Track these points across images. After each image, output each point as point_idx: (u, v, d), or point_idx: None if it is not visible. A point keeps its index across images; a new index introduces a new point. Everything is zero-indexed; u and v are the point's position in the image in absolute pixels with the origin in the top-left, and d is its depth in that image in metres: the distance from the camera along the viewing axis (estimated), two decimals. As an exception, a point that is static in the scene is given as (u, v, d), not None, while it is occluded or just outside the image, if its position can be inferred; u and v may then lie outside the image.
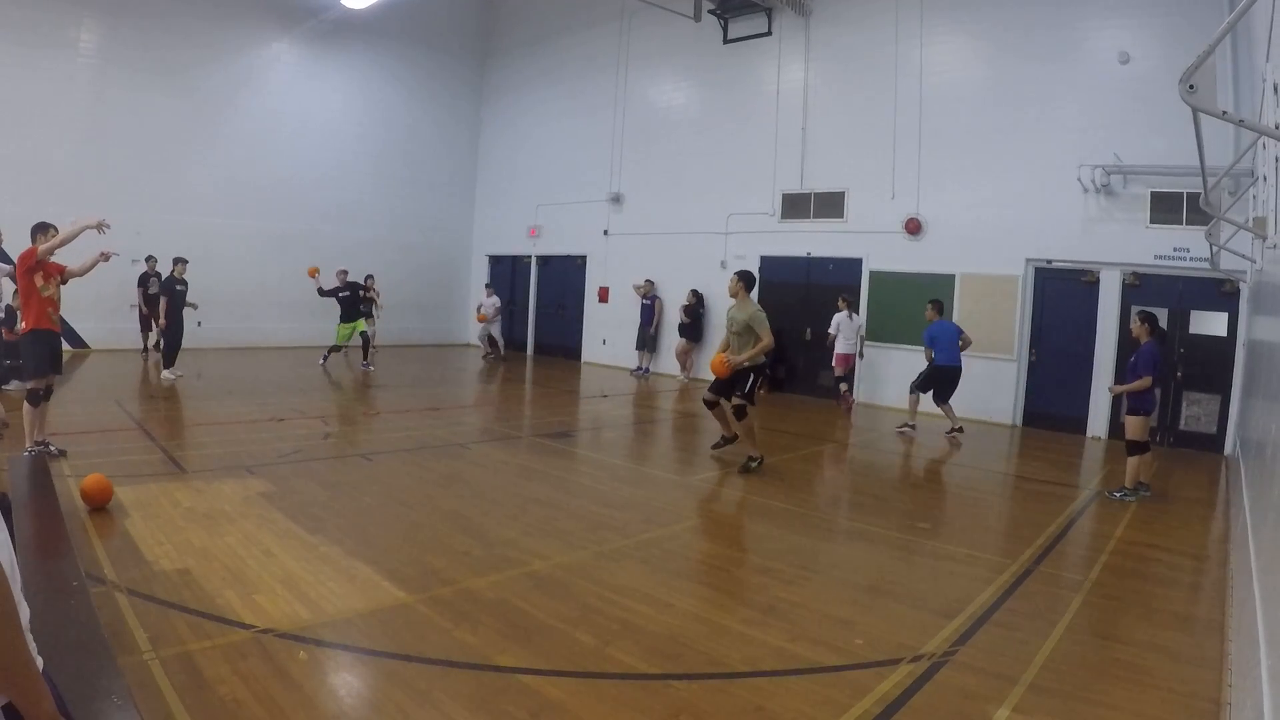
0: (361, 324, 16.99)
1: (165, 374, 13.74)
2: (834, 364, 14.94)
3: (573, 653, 4.35)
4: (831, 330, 14.82)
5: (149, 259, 16.60)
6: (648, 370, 18.78)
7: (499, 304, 20.91)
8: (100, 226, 7.63)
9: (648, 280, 18.61)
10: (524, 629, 4.61)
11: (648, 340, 18.72)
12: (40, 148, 15.05)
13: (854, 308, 14.96)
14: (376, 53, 21.64)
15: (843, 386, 14.87)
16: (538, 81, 22.48)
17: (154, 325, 14.32)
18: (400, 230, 22.41)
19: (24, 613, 1.50)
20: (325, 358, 16.97)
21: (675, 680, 4.10)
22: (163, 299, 14.11)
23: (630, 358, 19.19)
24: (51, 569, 3.57)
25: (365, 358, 17.10)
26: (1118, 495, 8.59)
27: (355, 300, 16.93)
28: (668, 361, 18.55)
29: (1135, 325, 9.04)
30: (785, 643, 4.62)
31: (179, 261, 14.26)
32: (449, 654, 4.24)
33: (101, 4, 16.85)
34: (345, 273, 17.18)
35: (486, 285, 22.02)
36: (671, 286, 18.19)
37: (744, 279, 9.45)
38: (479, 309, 21.00)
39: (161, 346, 14.30)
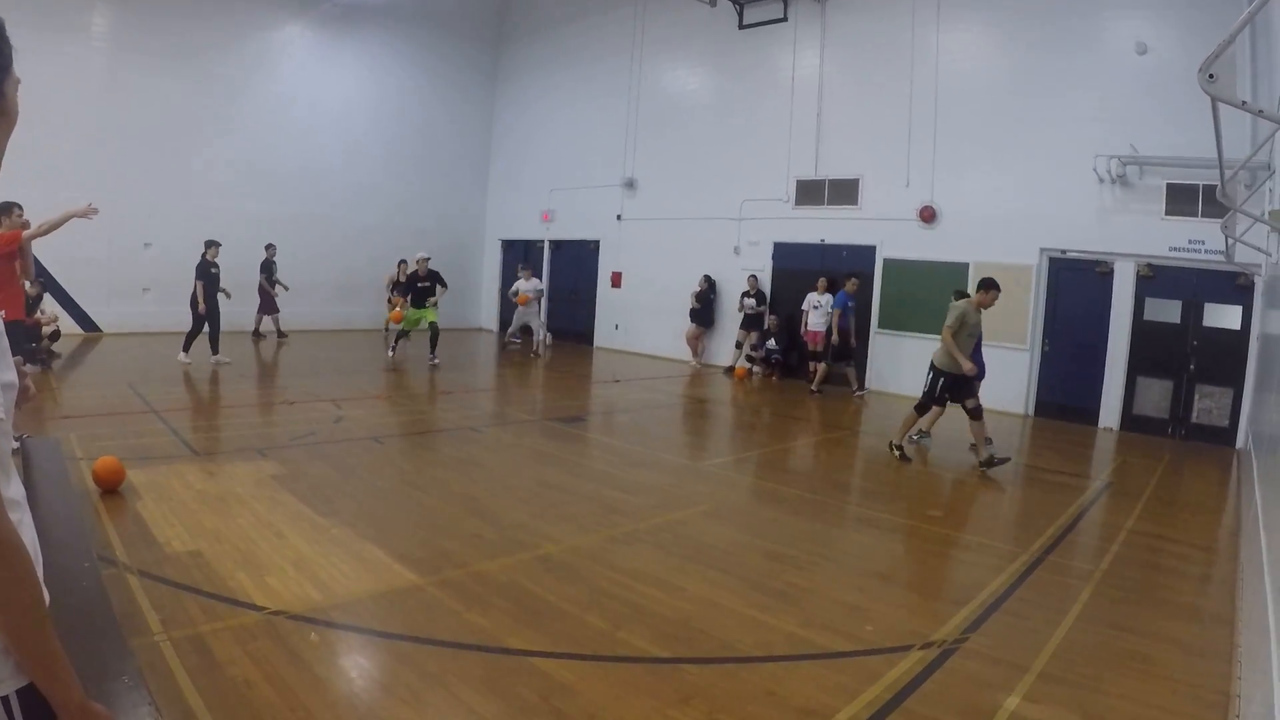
0: (431, 313, 15.78)
1: (214, 359, 13.60)
2: (804, 338, 15.63)
3: (584, 636, 4.36)
4: (804, 307, 15.46)
5: (268, 247, 17.82)
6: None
7: (540, 286, 19.16)
8: (88, 213, 7.49)
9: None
10: (535, 612, 4.63)
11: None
12: (52, 133, 15.00)
13: (834, 288, 15.15)
14: (390, 37, 21.58)
15: (812, 365, 15.49)
16: (552, 66, 22.41)
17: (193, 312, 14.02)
18: (413, 215, 22.36)
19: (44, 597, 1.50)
20: (394, 346, 16.19)
21: (686, 664, 4.12)
22: (197, 284, 13.74)
23: (643, 343, 19.15)
24: (62, 550, 3.58)
25: (432, 351, 15.75)
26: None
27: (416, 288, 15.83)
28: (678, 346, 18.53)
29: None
30: (796, 628, 4.62)
31: (211, 245, 14.02)
32: (460, 636, 4.26)
33: (114, -12, 16.82)
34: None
35: (521, 265, 19.44)
36: (684, 272, 18.13)
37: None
38: (514, 293, 18.73)
39: (207, 332, 13.92)
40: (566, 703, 3.65)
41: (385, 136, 21.72)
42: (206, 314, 13.71)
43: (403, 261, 19.54)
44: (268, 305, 17.89)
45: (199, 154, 18.09)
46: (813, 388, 14.64)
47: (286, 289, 18.00)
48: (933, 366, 9.51)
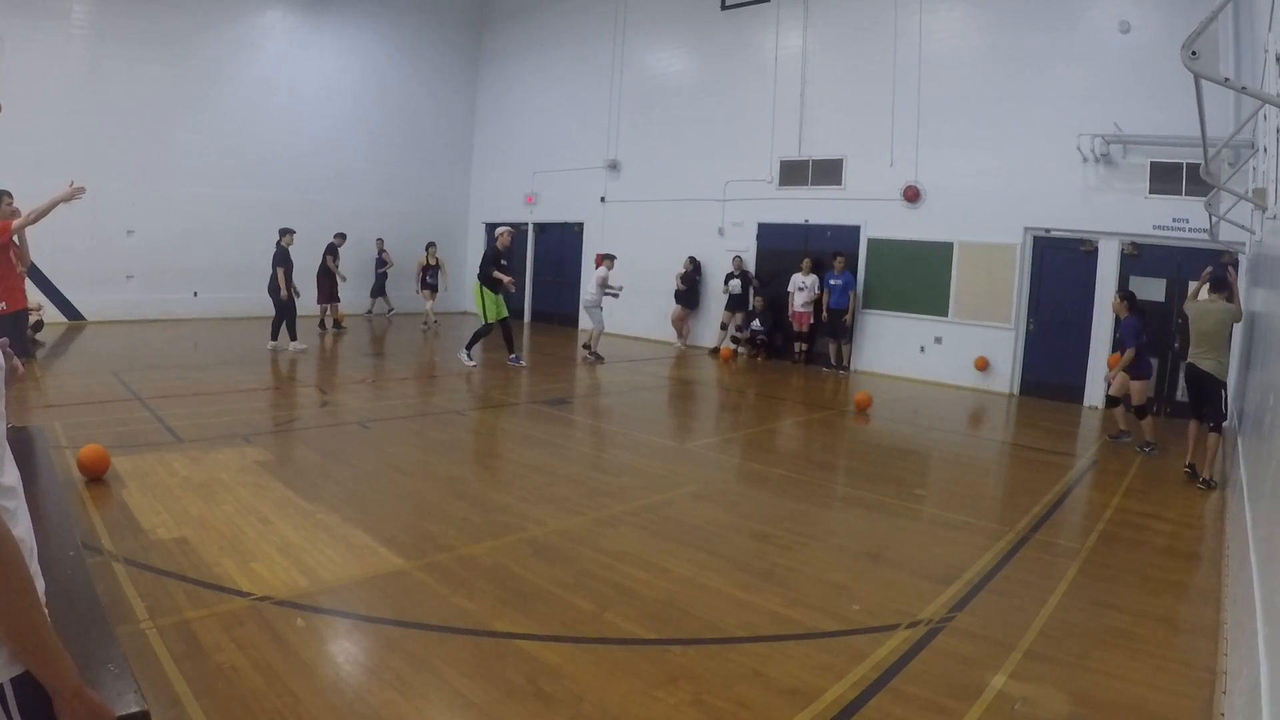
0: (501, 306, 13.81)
1: (292, 345, 13.66)
2: (791, 320, 15.94)
3: (570, 618, 4.36)
4: (790, 289, 15.71)
5: (338, 235, 17.64)
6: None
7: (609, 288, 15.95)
8: (74, 194, 7.38)
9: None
10: (521, 594, 4.62)
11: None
12: (33, 119, 14.83)
13: (819, 269, 15.51)
14: (372, 20, 21.36)
15: (798, 345, 15.97)
16: (534, 48, 22.24)
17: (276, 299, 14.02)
18: (396, 199, 22.20)
19: (39, 585, 1.48)
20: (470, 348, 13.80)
21: (673, 645, 4.12)
22: (279, 270, 13.78)
23: (628, 325, 19.08)
24: (48, 539, 3.56)
25: (511, 350, 14.01)
26: (1146, 450, 9.36)
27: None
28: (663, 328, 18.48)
29: (1115, 302, 9.86)
30: (782, 608, 4.63)
31: (286, 232, 14.05)
32: (446, 620, 4.26)
33: (95, -27, 16.59)
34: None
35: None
36: (669, 254, 18.07)
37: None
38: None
39: (282, 320, 13.96)
40: (553, 685, 3.66)
41: (367, 120, 21.52)
42: (282, 302, 13.83)
43: (431, 244, 19.46)
44: (329, 293, 17.46)
45: (181, 140, 17.88)
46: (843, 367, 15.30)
47: (344, 279, 17.69)
48: (1212, 379, 8.34)
